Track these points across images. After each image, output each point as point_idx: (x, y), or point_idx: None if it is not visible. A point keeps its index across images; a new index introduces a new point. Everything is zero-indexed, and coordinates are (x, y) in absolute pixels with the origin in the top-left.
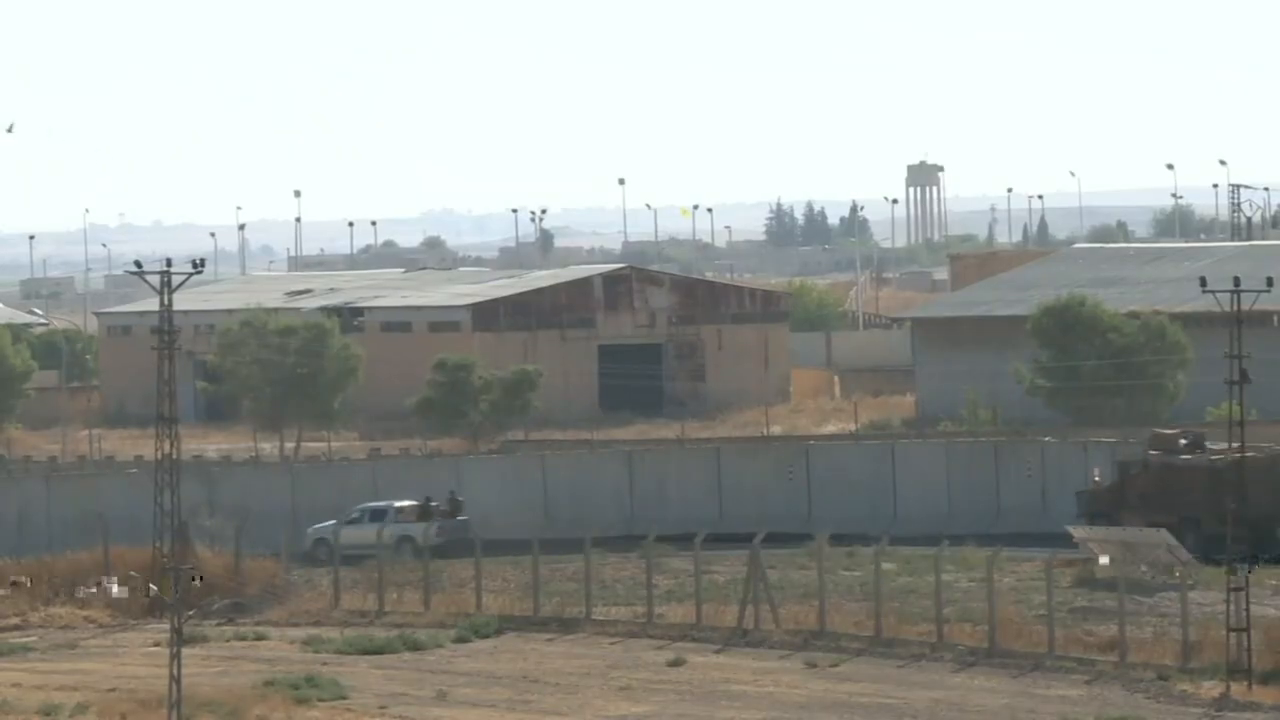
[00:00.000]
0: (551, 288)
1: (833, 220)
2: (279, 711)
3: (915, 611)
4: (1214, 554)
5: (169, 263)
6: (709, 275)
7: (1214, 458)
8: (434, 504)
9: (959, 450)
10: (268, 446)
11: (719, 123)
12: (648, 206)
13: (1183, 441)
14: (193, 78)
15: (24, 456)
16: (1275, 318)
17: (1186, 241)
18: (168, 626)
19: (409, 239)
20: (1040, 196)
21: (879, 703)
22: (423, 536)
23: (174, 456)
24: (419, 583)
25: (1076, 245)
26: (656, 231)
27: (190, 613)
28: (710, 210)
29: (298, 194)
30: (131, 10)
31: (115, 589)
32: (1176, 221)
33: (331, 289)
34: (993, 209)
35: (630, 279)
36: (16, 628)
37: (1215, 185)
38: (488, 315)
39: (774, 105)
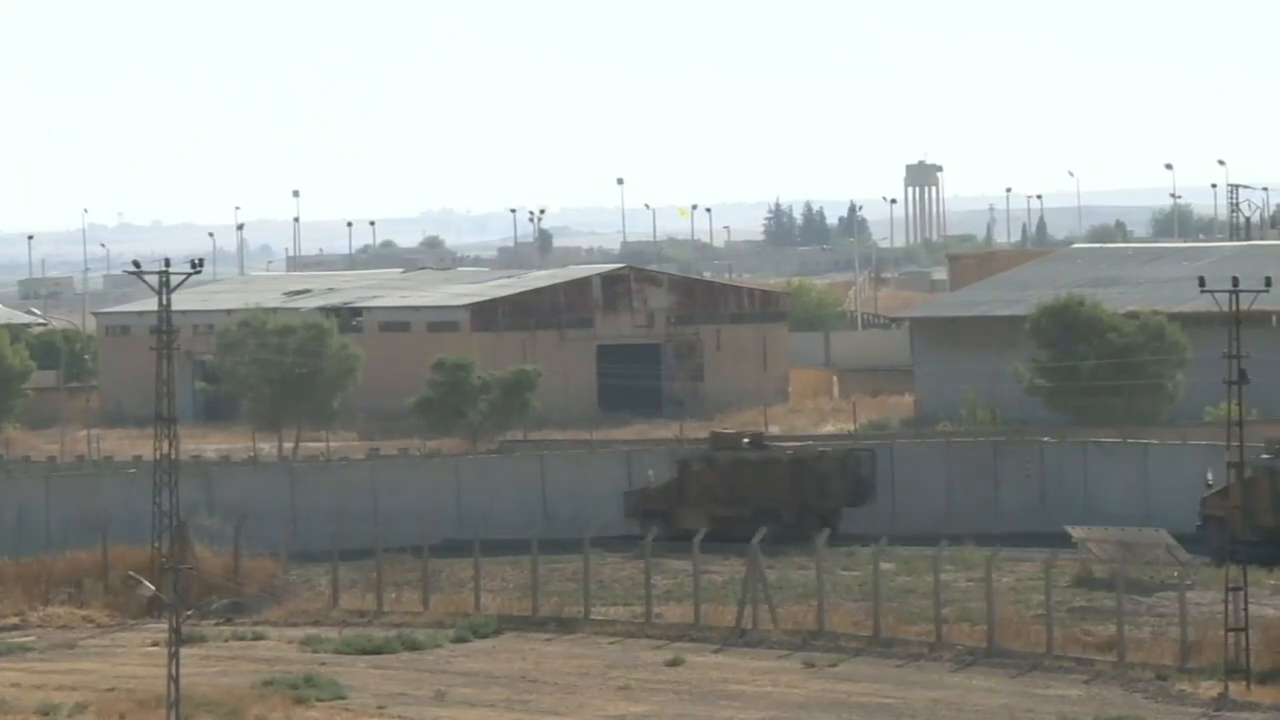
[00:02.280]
0: (550, 288)
1: (831, 220)
2: (277, 711)
3: (914, 611)
4: (790, 541)
5: (167, 263)
6: (708, 275)
7: (790, 452)
8: None
9: (958, 450)
10: (266, 446)
11: (718, 123)
12: (646, 207)
13: (745, 440)
14: (192, 78)
15: (23, 456)
16: (1274, 318)
17: (1185, 241)
18: (166, 626)
19: (408, 239)
20: (1039, 196)
21: (877, 702)
22: None
23: (173, 456)
24: (417, 583)
25: (1075, 245)
26: (655, 231)
27: (189, 613)
28: (709, 210)
29: (296, 194)
30: (131, 10)
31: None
32: (1175, 221)
33: (330, 289)
34: (991, 209)
35: (629, 279)
36: (15, 627)
37: (1214, 185)
38: (486, 315)
39: (773, 105)
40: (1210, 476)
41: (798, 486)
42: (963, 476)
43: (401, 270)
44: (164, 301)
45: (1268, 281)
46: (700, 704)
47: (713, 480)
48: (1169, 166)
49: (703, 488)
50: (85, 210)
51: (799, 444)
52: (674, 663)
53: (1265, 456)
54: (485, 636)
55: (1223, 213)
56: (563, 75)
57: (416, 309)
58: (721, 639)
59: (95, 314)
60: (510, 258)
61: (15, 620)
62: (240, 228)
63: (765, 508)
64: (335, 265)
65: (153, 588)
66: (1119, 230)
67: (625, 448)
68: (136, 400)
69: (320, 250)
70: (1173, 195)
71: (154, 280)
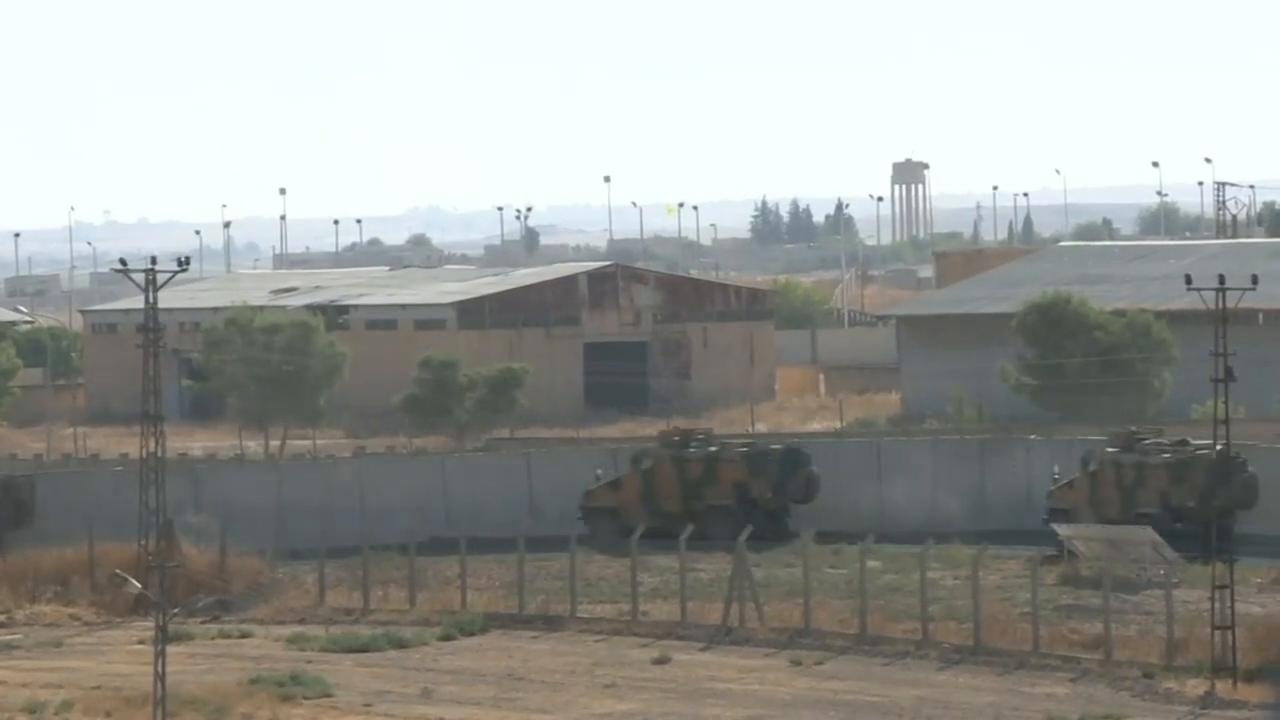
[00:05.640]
0: (537, 285)
1: (818, 218)
2: (264, 709)
3: (900, 609)
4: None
5: (154, 260)
6: (694, 273)
7: (742, 449)
8: None
9: (944, 448)
10: (253, 444)
11: (704, 121)
12: (633, 204)
13: (698, 436)
14: (178, 76)
15: (10, 454)
16: (1260, 315)
17: (1172, 239)
18: (152, 624)
19: (394, 237)
20: (1026, 194)
21: (864, 700)
22: None
23: (159, 454)
24: (404, 580)
25: (1062, 243)
26: (642, 229)
27: (175, 610)
28: (695, 208)
29: (283, 192)
30: (116, 8)
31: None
32: (1162, 219)
33: (317, 287)
34: (978, 206)
35: (616, 277)
36: (1, 625)
37: (1200, 183)
38: (473, 313)
39: (759, 103)
40: (1057, 471)
41: (748, 484)
42: (949, 474)
43: (388, 268)
44: (150, 299)
45: (1254, 279)
46: (686, 702)
47: (663, 478)
48: (1155, 164)
49: (652, 485)
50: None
51: (749, 441)
52: (660, 660)
53: (1112, 451)
54: (472, 634)
55: (1209, 211)
56: (550, 73)
57: (403, 307)
58: (708, 637)
59: (82, 312)
60: (497, 256)
61: (1, 618)
62: (227, 226)
63: (716, 505)
64: (322, 263)
65: (139, 585)
66: (1105, 228)
67: (612, 446)
68: (123, 398)
69: (307, 248)
70: (1159, 193)
71: (140, 278)
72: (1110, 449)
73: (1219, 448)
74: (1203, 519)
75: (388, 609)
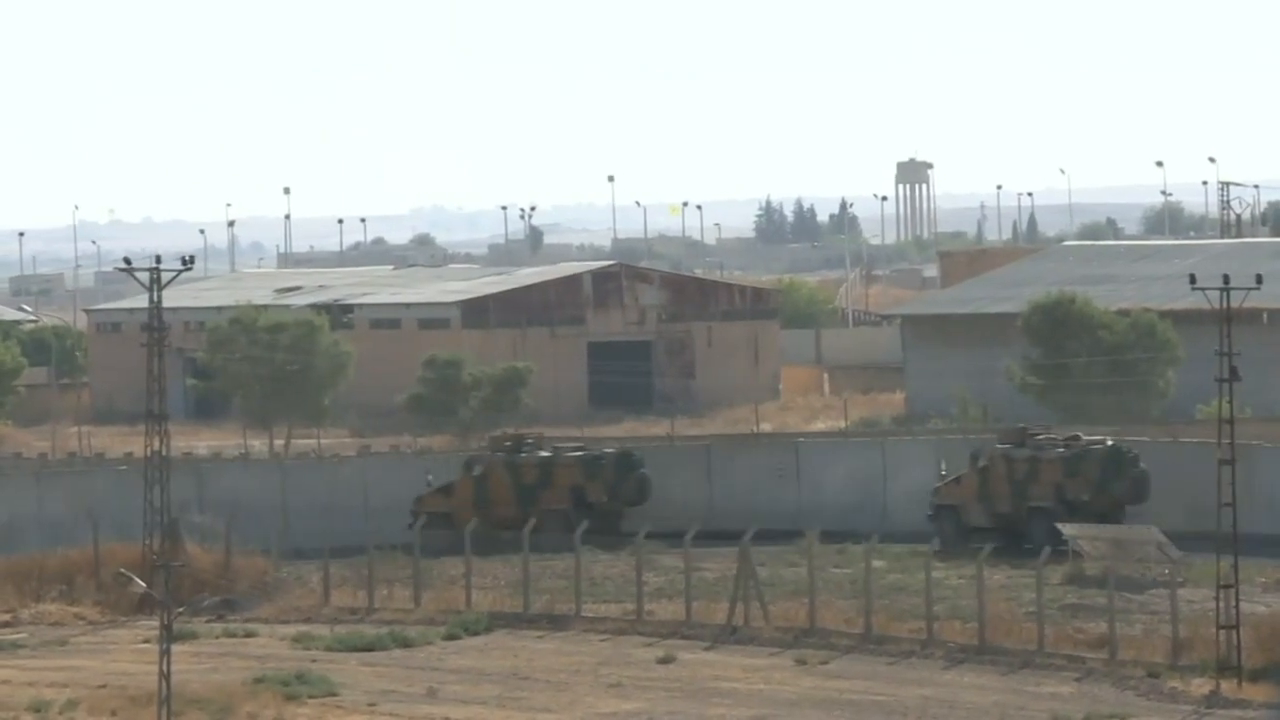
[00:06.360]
0: (541, 285)
1: (822, 217)
2: (269, 708)
3: (905, 609)
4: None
5: (158, 259)
6: (698, 272)
7: (578, 454)
8: None
9: (949, 448)
10: (257, 443)
11: (708, 120)
12: (637, 204)
13: (529, 441)
14: (183, 75)
15: (14, 454)
16: (1265, 315)
17: (1176, 239)
18: (157, 623)
19: (398, 236)
20: (1030, 194)
21: (869, 700)
22: None
23: (164, 453)
24: (409, 580)
25: (1066, 242)
26: (646, 228)
27: (180, 609)
28: (700, 207)
29: (287, 191)
30: (121, 7)
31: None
32: (1166, 219)
33: (321, 286)
34: (982, 206)
35: (620, 276)
36: (6, 624)
37: (1205, 183)
38: (477, 312)
39: (763, 102)
40: (943, 467)
41: (584, 487)
42: (952, 473)
43: (392, 267)
44: (155, 298)
45: (1258, 279)
46: (691, 701)
47: (496, 483)
48: (1160, 164)
49: (485, 490)
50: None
51: (581, 446)
52: (665, 660)
53: (1003, 446)
54: (477, 634)
55: (1213, 210)
56: (554, 72)
57: (407, 306)
58: (713, 636)
59: (86, 311)
60: (501, 255)
61: (6, 617)
62: (231, 225)
63: (551, 509)
64: (326, 262)
65: (144, 585)
66: (1110, 228)
67: (616, 445)
68: (127, 397)
69: (311, 247)
70: (1163, 193)
71: (145, 277)
72: (1001, 444)
73: (1109, 442)
74: (1096, 512)
75: (392, 608)
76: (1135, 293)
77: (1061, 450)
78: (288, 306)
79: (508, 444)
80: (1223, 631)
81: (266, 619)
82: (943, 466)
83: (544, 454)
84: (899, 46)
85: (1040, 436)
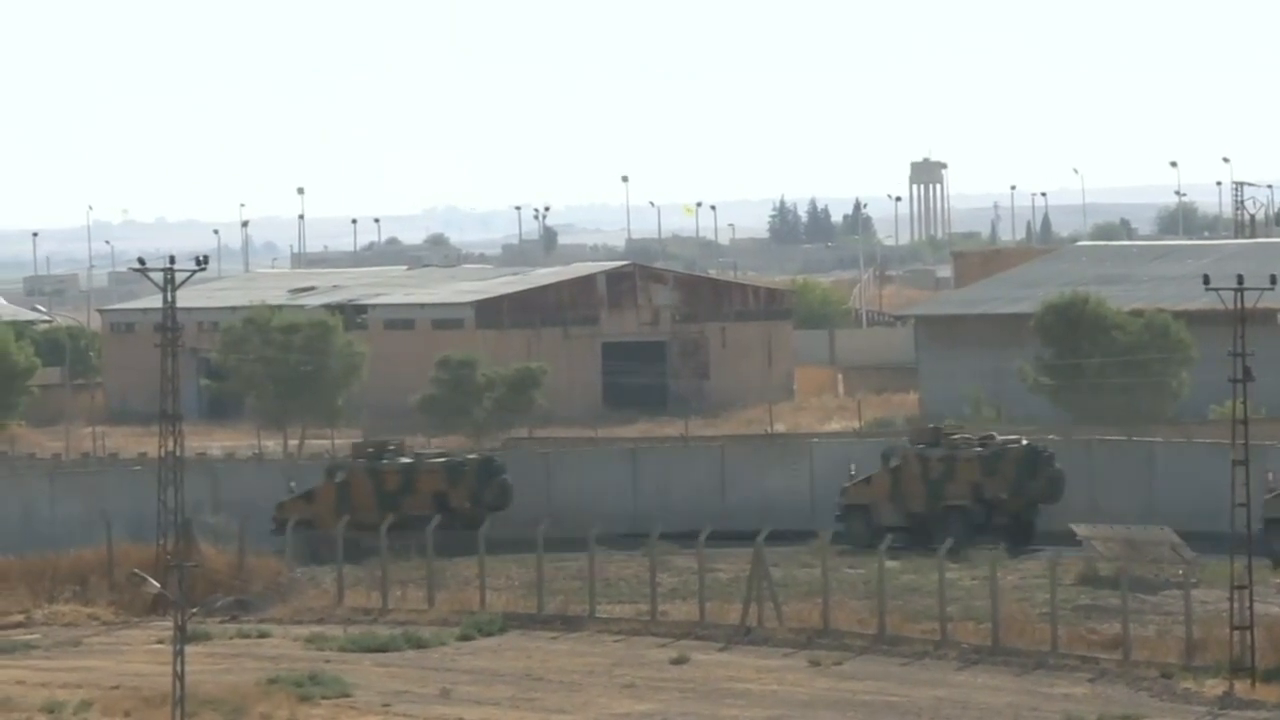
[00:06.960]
0: (555, 285)
1: (836, 218)
2: (282, 709)
3: (919, 610)
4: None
5: (172, 260)
6: (712, 273)
7: (441, 460)
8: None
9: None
10: (271, 444)
11: (722, 120)
12: (651, 204)
13: (390, 447)
14: (196, 75)
15: (28, 454)
16: (1279, 315)
17: (1190, 239)
18: (171, 624)
19: (412, 236)
20: (1044, 194)
21: (882, 700)
22: None
23: (177, 454)
24: (423, 580)
25: (1080, 243)
26: (660, 229)
27: (194, 610)
28: (713, 208)
29: (301, 191)
30: (135, 7)
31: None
32: (1180, 219)
33: (335, 286)
34: (996, 206)
35: (634, 276)
36: (20, 625)
37: (1219, 183)
38: (491, 313)
39: (777, 103)
40: (853, 467)
41: (447, 493)
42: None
43: (406, 267)
44: (169, 299)
45: (1272, 279)
46: (705, 702)
47: (358, 489)
48: (1174, 164)
49: (347, 496)
50: (90, 207)
51: (444, 452)
52: (679, 661)
53: (918, 446)
54: (490, 634)
55: (1227, 210)
56: (568, 72)
57: (421, 306)
58: (726, 637)
59: (100, 311)
60: (515, 255)
61: (20, 618)
62: (245, 225)
63: (414, 514)
64: (340, 262)
65: (158, 585)
66: (1124, 228)
67: (630, 446)
68: (141, 397)
69: (325, 247)
70: (1177, 193)
71: (159, 277)
72: (914, 444)
73: (1024, 442)
74: (1013, 511)
75: (406, 609)
76: (1149, 293)
77: (979, 449)
78: (302, 307)
79: (370, 450)
80: (1236, 632)
81: (280, 619)
82: (852, 468)
83: (406, 460)
84: (913, 47)
85: (955, 436)
